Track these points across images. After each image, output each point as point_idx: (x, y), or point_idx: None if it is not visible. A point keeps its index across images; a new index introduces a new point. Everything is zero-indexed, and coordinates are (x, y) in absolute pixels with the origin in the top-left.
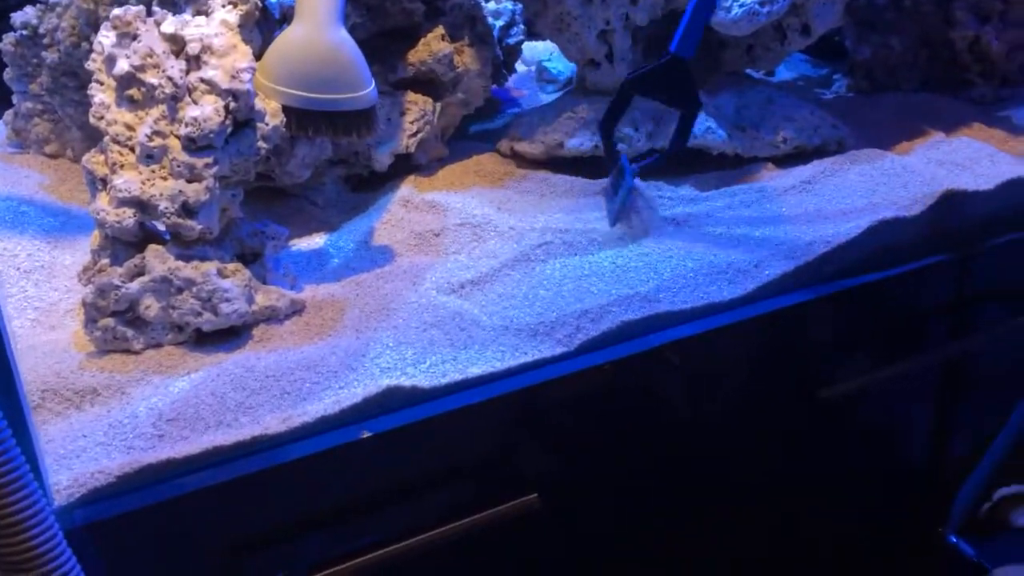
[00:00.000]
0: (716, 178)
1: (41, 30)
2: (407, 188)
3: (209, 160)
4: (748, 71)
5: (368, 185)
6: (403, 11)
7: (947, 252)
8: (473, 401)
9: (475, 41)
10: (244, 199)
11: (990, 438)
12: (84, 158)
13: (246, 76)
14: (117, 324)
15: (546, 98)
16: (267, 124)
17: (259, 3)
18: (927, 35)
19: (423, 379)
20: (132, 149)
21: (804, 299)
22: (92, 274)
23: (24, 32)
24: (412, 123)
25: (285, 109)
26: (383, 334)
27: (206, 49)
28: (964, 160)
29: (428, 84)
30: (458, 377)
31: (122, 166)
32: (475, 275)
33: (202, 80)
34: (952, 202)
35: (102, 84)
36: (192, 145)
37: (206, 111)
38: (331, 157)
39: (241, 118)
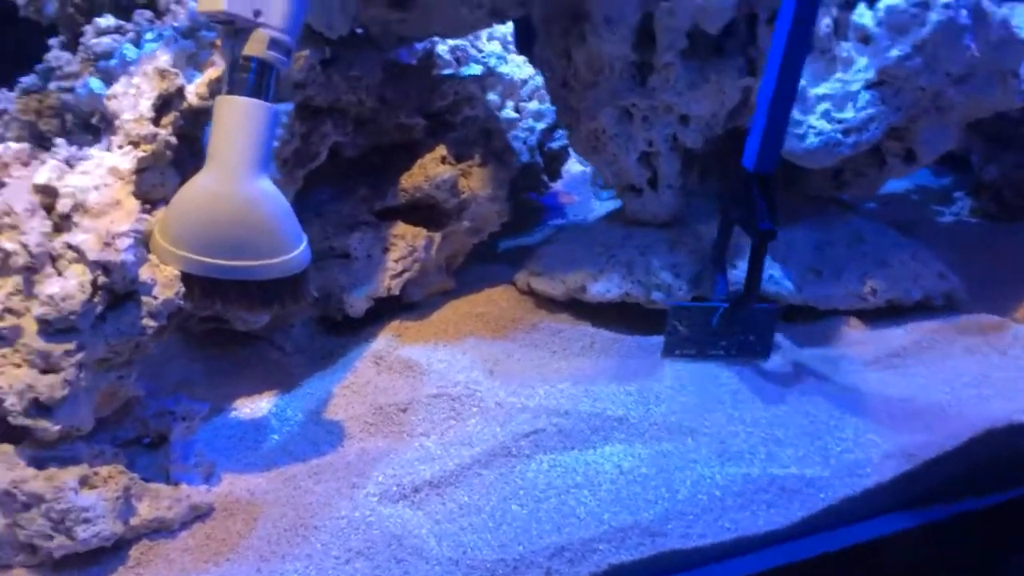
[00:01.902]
0: (782, 331)
1: None
2: (386, 338)
3: (70, 346)
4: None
5: (347, 327)
6: (399, 127)
7: None
8: None
9: (489, 159)
10: (194, 342)
11: None
12: None
13: (123, 243)
14: None
15: (599, 207)
16: (155, 298)
17: (171, 140)
18: None
19: None
20: None
21: (874, 535)
22: None
23: None
24: (397, 261)
25: (185, 277)
26: (290, 565)
27: (78, 207)
28: None
29: (428, 210)
30: None
31: None
32: (438, 473)
33: (68, 246)
34: None
35: None
36: (48, 328)
37: (68, 287)
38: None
39: (120, 291)
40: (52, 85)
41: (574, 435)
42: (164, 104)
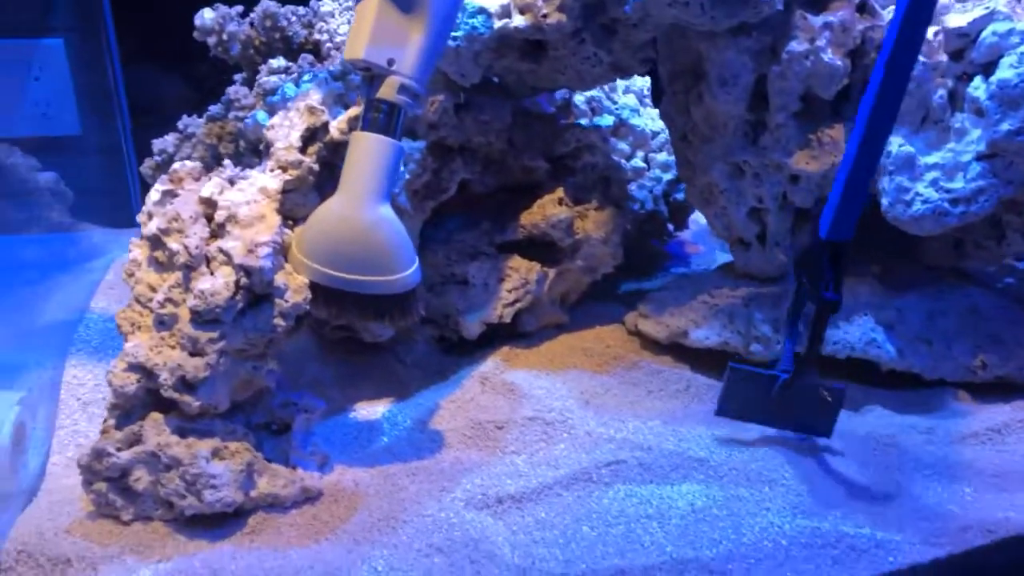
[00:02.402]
0: (881, 398)
1: (176, 159)
2: (494, 362)
3: (214, 335)
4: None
5: (462, 348)
6: (524, 168)
7: None
8: None
9: (605, 204)
10: (328, 348)
11: None
12: (118, 312)
13: (263, 251)
14: (109, 491)
15: (721, 258)
16: (286, 301)
17: (314, 167)
18: None
19: None
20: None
21: None
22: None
23: (160, 158)
24: (510, 291)
25: (311, 285)
26: (378, 551)
27: (231, 218)
28: None
29: (545, 247)
30: None
31: (140, 328)
32: (521, 488)
33: (220, 250)
34: None
35: (139, 240)
36: (198, 318)
37: (216, 284)
38: (427, 316)
39: (258, 292)
40: (231, 115)
41: (654, 469)
42: (311, 136)
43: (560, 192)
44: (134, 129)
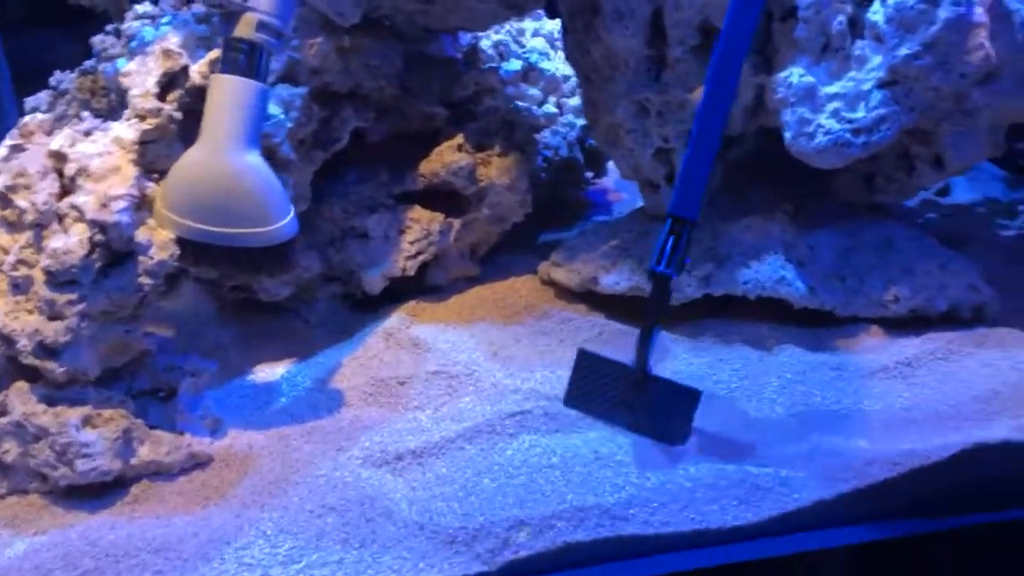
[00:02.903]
0: (794, 336)
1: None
2: (399, 316)
3: (72, 297)
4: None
5: (367, 305)
6: (422, 114)
7: None
8: None
9: (509, 150)
10: (228, 310)
11: None
12: None
13: (117, 205)
14: None
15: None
16: (151, 258)
17: (176, 115)
18: None
19: None
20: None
21: (843, 543)
22: None
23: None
24: (412, 243)
25: (179, 240)
26: (267, 514)
27: (82, 171)
28: None
29: (448, 197)
30: None
31: None
32: (422, 443)
33: (72, 206)
34: None
35: None
36: (53, 279)
37: (69, 242)
38: (325, 273)
39: (118, 250)
40: (100, 66)
41: (559, 419)
42: (169, 82)
43: (460, 138)
44: (20, 94)
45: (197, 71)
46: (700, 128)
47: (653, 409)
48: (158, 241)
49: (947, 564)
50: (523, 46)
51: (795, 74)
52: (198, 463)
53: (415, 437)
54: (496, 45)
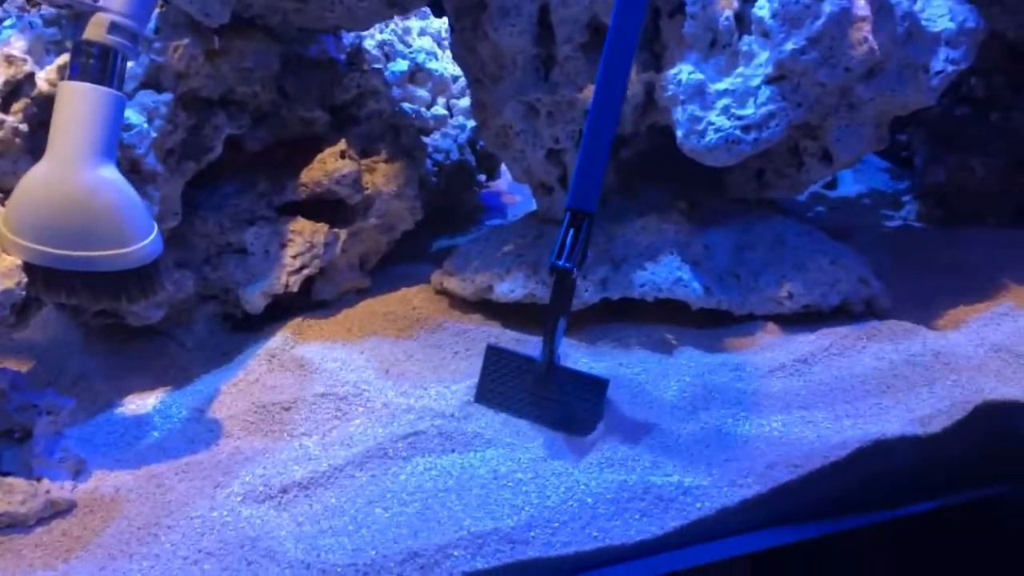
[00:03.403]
0: (692, 337)
1: None
2: (283, 336)
3: None
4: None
5: (250, 325)
6: (301, 120)
7: (984, 486)
8: None
9: (397, 155)
10: (94, 337)
11: None
12: None
13: None
14: None
15: None
16: None
17: (21, 127)
18: None
19: None
20: None
21: (749, 550)
22: None
23: None
24: (295, 257)
25: (27, 266)
26: (136, 565)
27: None
28: None
29: (333, 207)
30: None
31: None
32: (309, 474)
33: None
34: (994, 419)
35: None
36: None
37: None
38: (201, 292)
39: None
40: None
41: (455, 438)
42: (13, 91)
43: (342, 144)
44: None
45: (44, 79)
46: (594, 120)
47: (562, 400)
48: (2, 269)
49: (853, 563)
50: (409, 46)
51: (684, 71)
52: (58, 511)
53: (301, 467)
54: (381, 45)
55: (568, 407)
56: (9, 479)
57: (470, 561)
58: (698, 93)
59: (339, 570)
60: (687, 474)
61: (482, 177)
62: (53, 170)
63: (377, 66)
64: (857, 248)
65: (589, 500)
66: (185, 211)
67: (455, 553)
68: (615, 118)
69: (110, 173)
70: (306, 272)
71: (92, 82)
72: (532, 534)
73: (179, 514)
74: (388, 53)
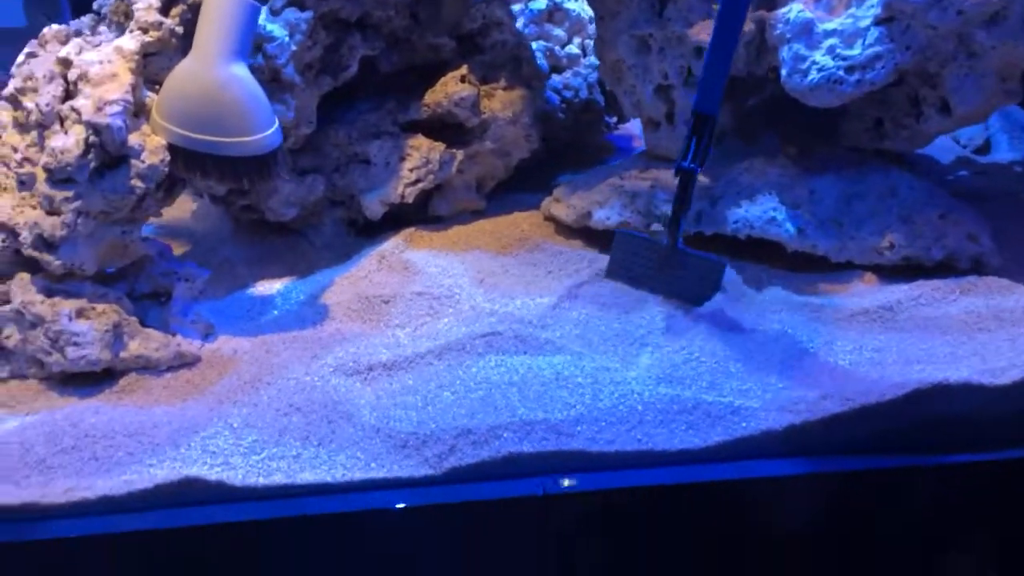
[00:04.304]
0: (785, 277)
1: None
2: (395, 241)
3: (69, 194)
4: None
5: (371, 230)
6: (430, 46)
7: None
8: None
9: (516, 84)
10: (243, 230)
11: None
12: None
13: (112, 110)
14: None
15: None
16: (143, 162)
17: (177, 29)
18: None
19: (239, 474)
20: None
21: (784, 473)
22: None
23: None
24: (412, 171)
25: (170, 147)
26: (237, 410)
27: (82, 77)
28: None
29: (454, 129)
30: (282, 480)
31: (4, 188)
32: (394, 357)
33: (72, 109)
34: None
35: (2, 102)
36: (52, 177)
37: (67, 142)
38: (330, 197)
39: (112, 152)
40: None
41: (529, 342)
42: None
43: (464, 70)
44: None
45: None
46: (719, 26)
47: (683, 276)
48: (150, 146)
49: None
50: None
51: (794, 10)
52: (185, 362)
53: (389, 351)
54: None
55: (688, 282)
56: (148, 329)
57: (517, 444)
58: (805, 32)
59: (402, 436)
60: (741, 397)
61: (612, 119)
62: (192, 66)
63: (540, 5)
64: (987, 212)
65: (639, 407)
66: (322, 122)
67: (505, 435)
68: (740, 26)
69: (241, 71)
70: (421, 185)
71: None
72: (579, 428)
73: (279, 375)
74: None
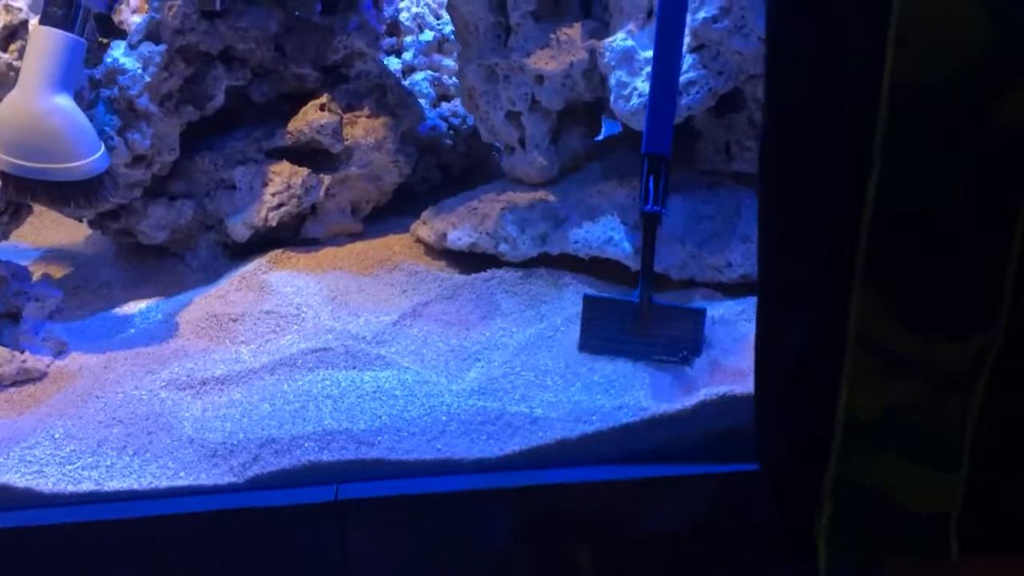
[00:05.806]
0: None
1: None
2: (259, 262)
3: None
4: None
5: (243, 252)
6: (296, 77)
7: None
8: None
9: (381, 112)
10: (122, 253)
11: None
12: None
13: None
14: None
15: None
16: None
17: (15, 63)
18: None
19: (49, 482)
20: None
21: (569, 480)
22: None
23: None
24: (273, 195)
25: (2, 174)
26: (61, 421)
27: None
28: None
29: (323, 155)
30: (90, 488)
31: None
32: (228, 372)
33: None
34: None
35: None
36: None
37: None
38: (202, 220)
39: None
40: None
41: (359, 357)
42: (10, 34)
43: (325, 98)
44: None
45: (34, 25)
46: (658, 67)
47: (663, 335)
48: None
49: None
50: (439, 18)
51: (618, 38)
52: (31, 378)
53: (226, 366)
54: (415, 17)
55: (670, 339)
56: None
57: (317, 453)
58: (627, 59)
59: (213, 446)
60: (544, 409)
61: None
62: (18, 97)
63: (427, 37)
64: None
65: (444, 419)
66: (195, 149)
67: (305, 444)
68: (679, 63)
69: (64, 101)
70: (285, 209)
71: (57, 27)
72: (379, 438)
73: (109, 389)
74: (420, 25)
